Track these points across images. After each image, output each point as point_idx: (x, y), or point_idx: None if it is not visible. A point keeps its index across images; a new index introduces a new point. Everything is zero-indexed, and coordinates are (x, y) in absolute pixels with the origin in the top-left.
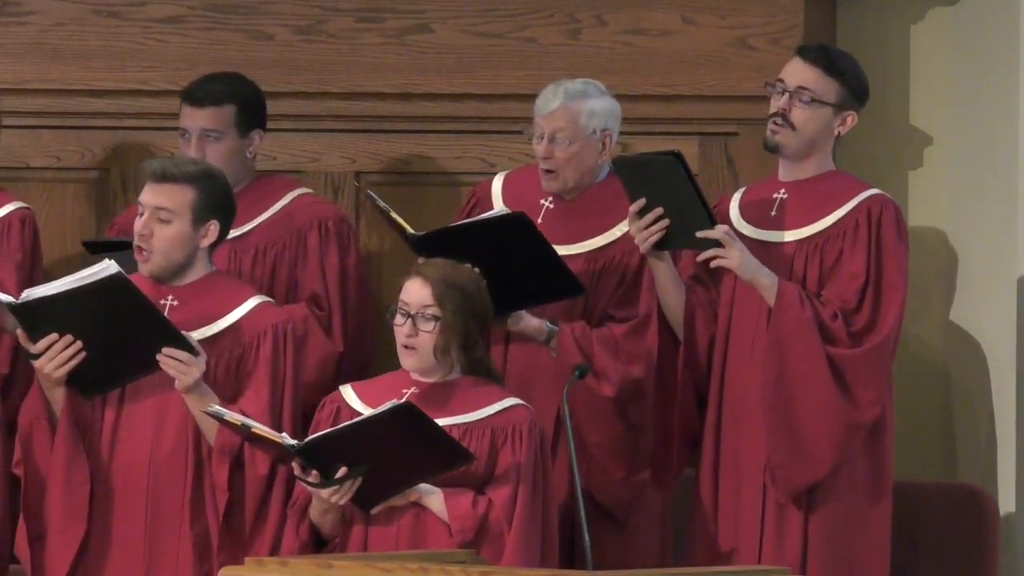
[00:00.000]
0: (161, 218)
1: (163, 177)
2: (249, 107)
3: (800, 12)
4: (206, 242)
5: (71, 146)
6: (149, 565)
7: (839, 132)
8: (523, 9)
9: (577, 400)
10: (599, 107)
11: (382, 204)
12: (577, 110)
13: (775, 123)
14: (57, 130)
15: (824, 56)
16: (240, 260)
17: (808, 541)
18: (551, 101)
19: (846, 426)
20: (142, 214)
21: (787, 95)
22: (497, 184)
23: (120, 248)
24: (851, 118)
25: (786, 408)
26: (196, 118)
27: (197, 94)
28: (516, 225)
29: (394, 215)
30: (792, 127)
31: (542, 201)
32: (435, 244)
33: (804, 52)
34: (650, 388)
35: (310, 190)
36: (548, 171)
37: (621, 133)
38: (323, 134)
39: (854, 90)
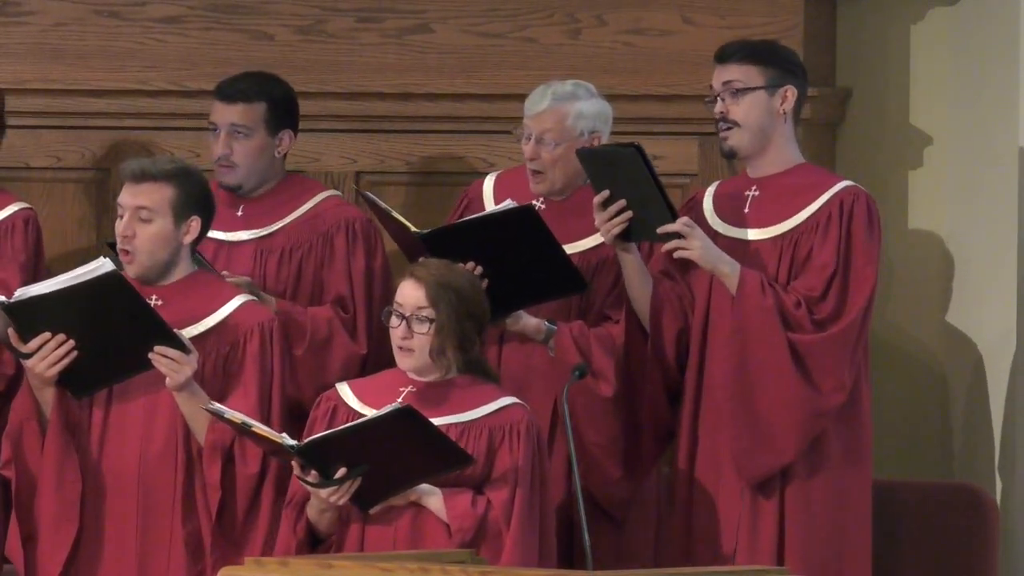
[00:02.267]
0: (142, 217)
1: (141, 177)
2: (279, 106)
3: (800, 12)
4: (188, 238)
5: (71, 146)
6: (141, 564)
7: (784, 111)
8: (523, 9)
9: (575, 400)
10: (587, 109)
11: (383, 205)
12: (565, 112)
13: (721, 128)
14: (57, 130)
15: (735, 50)
16: (266, 261)
17: (784, 531)
18: (539, 102)
19: (808, 413)
20: (122, 216)
21: (719, 99)
22: (489, 184)
23: None
24: (790, 92)
25: (748, 395)
26: (225, 113)
27: (228, 90)
28: (522, 218)
29: (396, 214)
30: (736, 124)
31: (534, 202)
32: (439, 241)
33: (718, 55)
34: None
35: (338, 192)
36: (536, 172)
37: (622, 133)
38: (323, 134)
39: (780, 66)
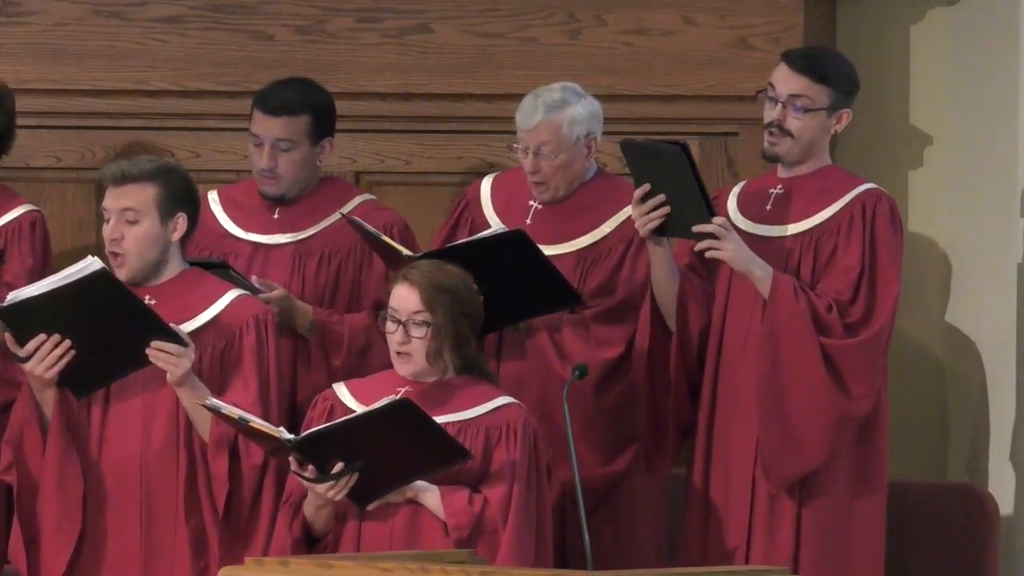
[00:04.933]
0: (128, 219)
1: (123, 179)
2: (321, 116)
3: (800, 12)
4: (177, 236)
5: (71, 146)
6: (146, 563)
7: (836, 130)
8: (523, 9)
9: (550, 387)
10: (580, 114)
11: (372, 229)
12: (559, 122)
13: (771, 133)
14: (57, 130)
15: (811, 63)
16: (304, 264)
17: (801, 535)
18: (531, 116)
19: (838, 418)
20: (108, 220)
21: (780, 105)
22: (486, 186)
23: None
24: (846, 115)
25: (779, 400)
26: (270, 127)
27: (272, 102)
28: (514, 242)
29: (386, 239)
30: (790, 135)
31: (531, 203)
32: None
33: (791, 60)
34: (625, 373)
35: (373, 196)
36: (538, 183)
37: (622, 133)
38: None
39: (845, 89)
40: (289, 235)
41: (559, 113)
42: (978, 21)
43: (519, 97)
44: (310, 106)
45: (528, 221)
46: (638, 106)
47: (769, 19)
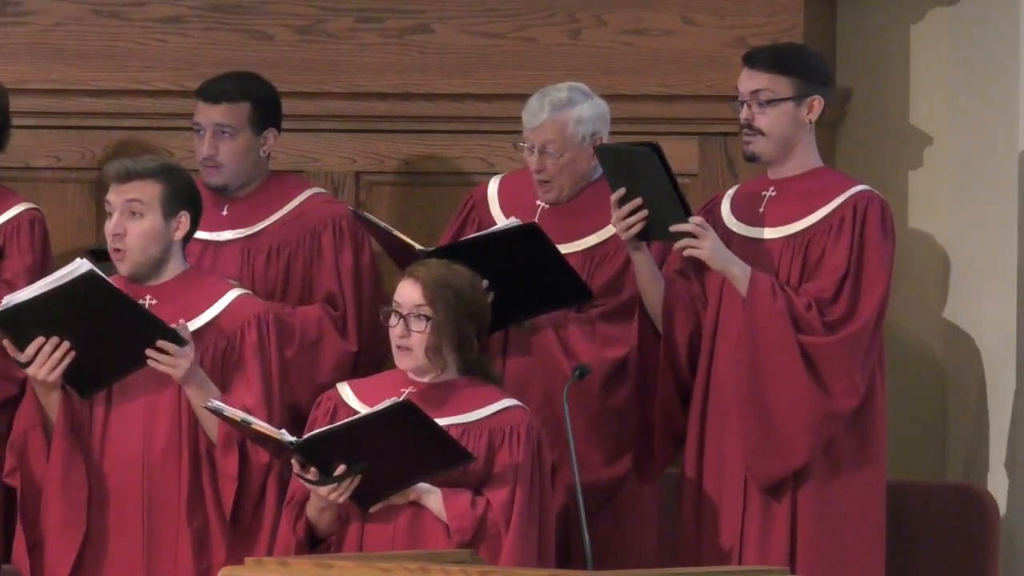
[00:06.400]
0: (133, 211)
1: (126, 176)
2: (263, 106)
3: (800, 12)
4: (179, 235)
5: (71, 146)
6: (149, 563)
7: (810, 120)
8: (523, 9)
9: (555, 385)
10: (586, 113)
11: (383, 224)
12: (564, 120)
13: (746, 134)
14: (57, 130)
15: (767, 58)
16: (254, 260)
17: (796, 536)
18: (537, 114)
19: (820, 416)
20: (111, 215)
21: (746, 105)
22: (493, 187)
23: None
24: (816, 103)
25: (759, 398)
26: (210, 114)
27: (212, 91)
28: (527, 236)
29: (397, 233)
30: (761, 133)
31: (538, 202)
32: (444, 258)
33: (748, 59)
34: (630, 374)
35: (322, 190)
36: (543, 182)
37: (622, 133)
38: (323, 134)
39: (809, 77)
40: (237, 231)
41: (565, 112)
42: (978, 21)
43: (519, 97)
44: (251, 94)
45: (535, 221)
46: (638, 106)
47: (769, 19)
